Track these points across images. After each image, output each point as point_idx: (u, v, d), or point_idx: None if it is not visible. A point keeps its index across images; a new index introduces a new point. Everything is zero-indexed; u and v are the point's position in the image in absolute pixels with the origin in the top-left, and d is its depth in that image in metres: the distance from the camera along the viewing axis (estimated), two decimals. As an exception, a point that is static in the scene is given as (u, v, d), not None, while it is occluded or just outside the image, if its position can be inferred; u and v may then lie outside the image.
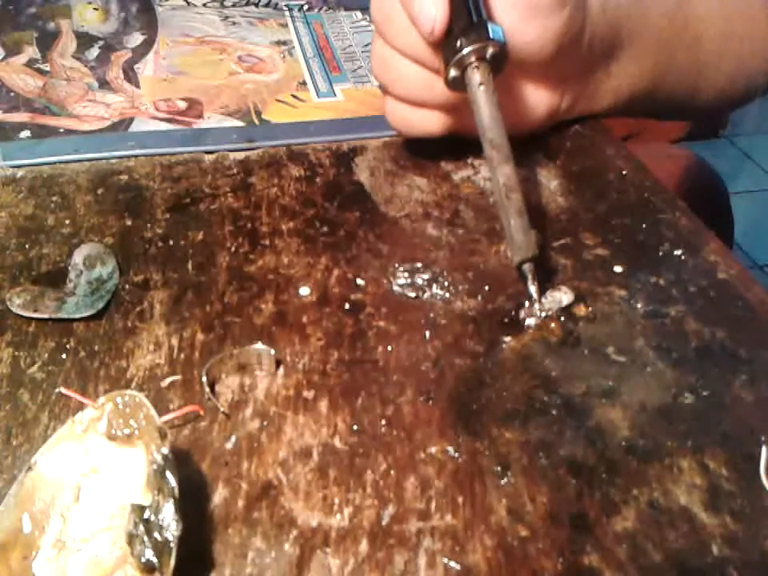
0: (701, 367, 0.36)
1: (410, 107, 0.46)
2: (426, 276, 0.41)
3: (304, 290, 0.40)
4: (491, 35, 0.40)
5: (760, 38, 0.57)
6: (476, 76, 0.40)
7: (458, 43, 0.40)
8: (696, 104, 0.59)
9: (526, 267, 0.39)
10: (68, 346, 0.36)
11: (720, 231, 0.45)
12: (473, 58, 0.40)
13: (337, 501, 0.30)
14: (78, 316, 0.38)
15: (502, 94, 0.41)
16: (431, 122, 0.46)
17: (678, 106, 0.59)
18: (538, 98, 0.48)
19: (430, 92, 0.44)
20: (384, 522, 0.30)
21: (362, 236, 0.43)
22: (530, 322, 0.38)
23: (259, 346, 0.36)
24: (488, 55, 0.40)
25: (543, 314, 0.39)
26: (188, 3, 0.68)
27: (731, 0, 0.56)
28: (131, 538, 0.26)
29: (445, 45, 0.41)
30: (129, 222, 0.44)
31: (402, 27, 0.42)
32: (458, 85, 0.42)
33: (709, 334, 0.38)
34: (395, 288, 0.40)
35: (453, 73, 0.41)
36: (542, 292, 0.39)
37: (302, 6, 0.68)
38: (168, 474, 0.27)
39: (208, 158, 0.49)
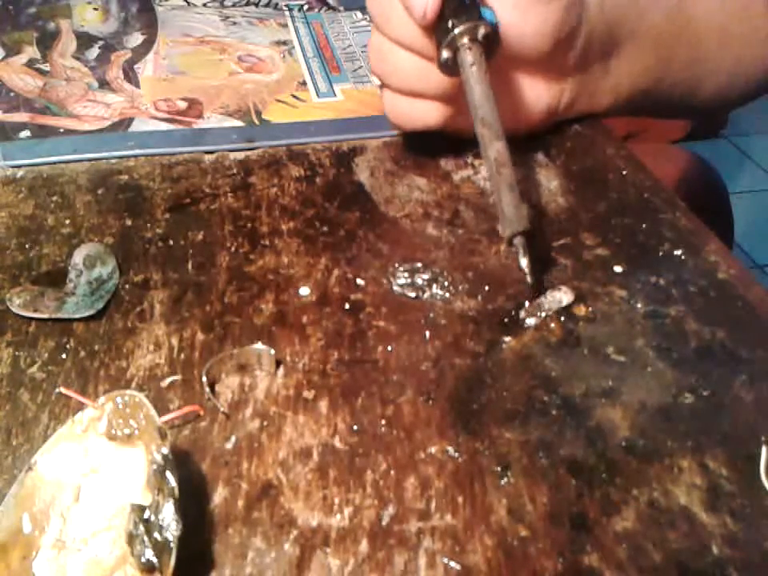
0: (701, 367, 0.36)
1: (407, 99, 0.46)
2: (426, 276, 0.41)
3: (304, 290, 0.40)
4: (483, 15, 0.40)
5: (759, 37, 0.57)
6: (468, 57, 0.40)
7: (450, 24, 0.40)
8: (695, 103, 0.59)
9: (517, 241, 0.39)
10: (68, 346, 0.36)
11: (720, 231, 0.45)
12: (465, 39, 0.40)
13: (337, 501, 0.30)
14: (78, 316, 0.38)
15: (502, 91, 0.41)
16: (429, 114, 0.46)
17: (677, 105, 0.59)
18: (537, 95, 0.48)
19: (426, 82, 0.44)
20: (384, 522, 0.30)
21: (362, 236, 0.43)
22: (530, 322, 0.38)
23: (259, 346, 0.36)
24: (480, 36, 0.41)
25: (543, 314, 0.39)
26: (188, 3, 0.68)
27: (732, 4, 0.56)
28: (131, 538, 0.26)
29: (437, 28, 0.41)
30: (129, 222, 0.44)
31: (397, 18, 0.43)
32: (451, 68, 0.42)
33: (709, 334, 0.38)
34: (395, 288, 0.40)
35: (445, 54, 0.41)
36: (541, 291, 0.39)
37: (302, 6, 0.68)
38: (168, 474, 0.27)
39: (208, 157, 0.49)
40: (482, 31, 0.41)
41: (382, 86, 0.47)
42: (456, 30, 0.40)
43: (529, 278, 0.38)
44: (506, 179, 0.39)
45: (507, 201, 0.39)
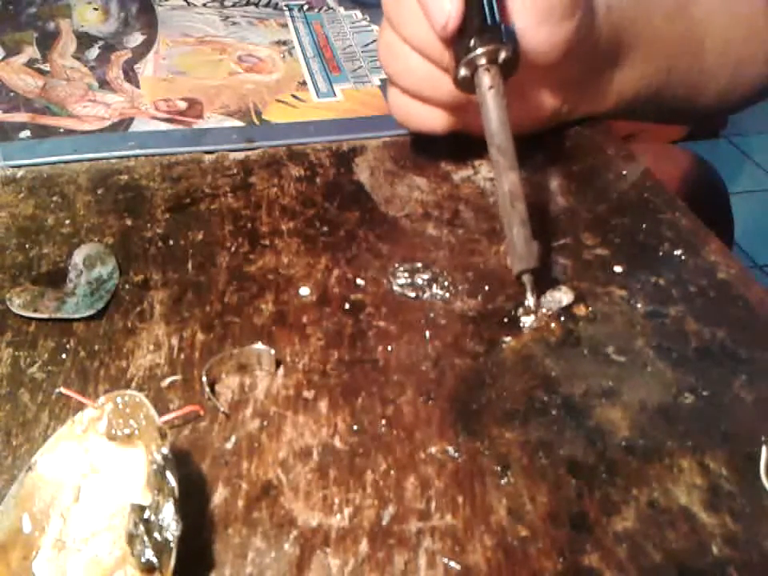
0: (701, 367, 0.36)
1: (413, 100, 0.45)
2: (426, 276, 0.41)
3: (304, 290, 0.40)
4: (505, 39, 0.40)
5: (761, 41, 0.57)
6: (486, 79, 0.40)
7: (471, 42, 0.40)
8: (697, 108, 0.59)
9: (525, 278, 0.38)
10: (68, 346, 0.36)
11: (720, 231, 0.45)
12: (484, 60, 0.40)
13: (337, 501, 0.30)
14: (78, 316, 0.38)
15: (507, 93, 0.41)
16: (434, 119, 0.46)
17: (680, 109, 0.59)
18: (541, 100, 0.48)
19: (435, 89, 0.44)
20: (384, 522, 0.30)
21: (362, 236, 0.43)
22: (527, 320, 0.38)
23: (259, 346, 0.36)
24: (500, 59, 0.40)
25: (541, 315, 0.38)
26: (188, 3, 0.68)
27: (733, 4, 0.56)
28: (131, 538, 0.26)
29: (457, 42, 0.41)
30: (129, 222, 0.44)
31: (412, 16, 0.42)
32: (467, 85, 0.41)
33: (709, 334, 0.38)
34: (395, 288, 0.40)
35: (463, 72, 0.41)
36: (541, 292, 0.39)
37: (302, 5, 0.68)
38: (168, 474, 0.27)
39: (208, 157, 0.49)
40: (502, 55, 0.40)
41: (389, 82, 0.47)
42: (477, 51, 0.39)
43: (534, 316, 0.38)
44: (519, 214, 0.38)
45: (519, 236, 0.38)
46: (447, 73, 0.42)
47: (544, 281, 0.40)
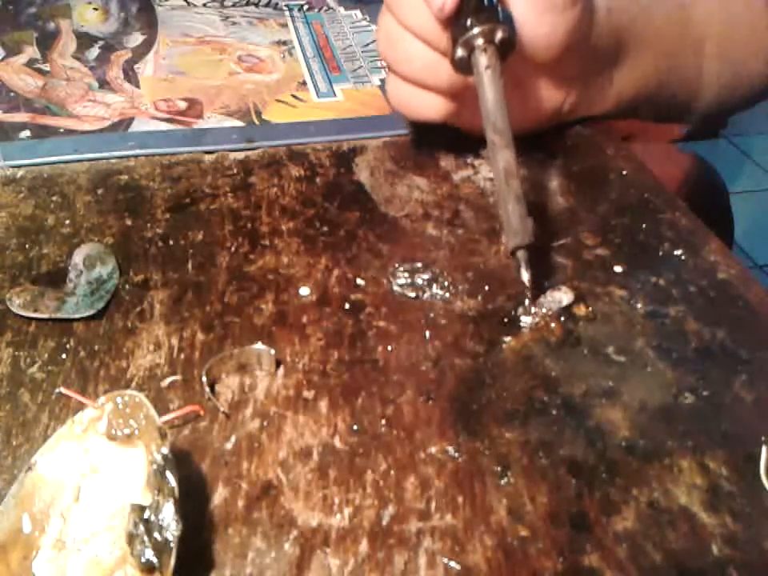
0: (701, 367, 0.36)
1: (412, 88, 0.45)
2: (426, 276, 0.41)
3: (304, 290, 0.40)
4: (501, 19, 0.40)
5: (761, 42, 0.57)
6: (483, 58, 0.40)
7: (468, 22, 0.40)
8: (697, 108, 0.59)
9: (520, 254, 0.38)
10: (68, 346, 0.36)
11: (720, 231, 0.45)
12: (481, 40, 0.40)
13: (337, 501, 0.30)
14: (78, 316, 0.38)
15: (507, 91, 0.41)
16: (433, 107, 0.46)
17: (680, 109, 0.59)
18: (542, 98, 0.48)
19: (434, 75, 0.44)
20: (384, 522, 0.30)
21: (362, 236, 0.43)
22: (526, 319, 0.38)
23: (259, 346, 0.36)
24: (497, 39, 0.40)
25: (539, 311, 0.38)
26: (188, 3, 0.68)
27: (732, 4, 0.56)
28: (131, 538, 0.26)
29: (454, 24, 0.41)
30: (129, 222, 0.44)
31: (411, 4, 0.42)
32: (464, 67, 0.41)
33: (709, 334, 0.38)
34: (395, 288, 0.40)
35: (460, 52, 0.41)
36: (541, 291, 0.39)
37: (302, 6, 0.68)
38: (168, 473, 0.27)
39: (208, 158, 0.49)
40: (499, 35, 0.40)
41: (388, 70, 0.46)
42: (474, 30, 0.40)
43: (528, 292, 0.38)
44: (513, 190, 0.39)
45: (514, 212, 0.38)
46: (446, 57, 0.42)
47: (544, 281, 0.40)
